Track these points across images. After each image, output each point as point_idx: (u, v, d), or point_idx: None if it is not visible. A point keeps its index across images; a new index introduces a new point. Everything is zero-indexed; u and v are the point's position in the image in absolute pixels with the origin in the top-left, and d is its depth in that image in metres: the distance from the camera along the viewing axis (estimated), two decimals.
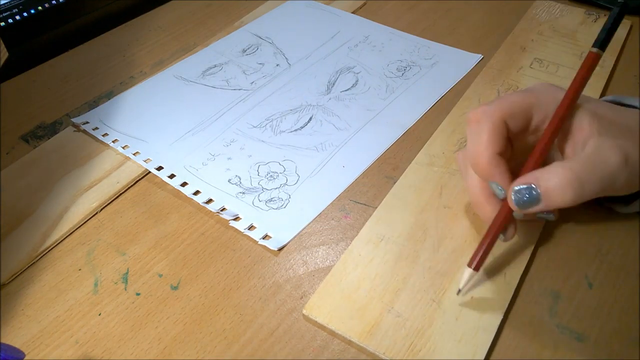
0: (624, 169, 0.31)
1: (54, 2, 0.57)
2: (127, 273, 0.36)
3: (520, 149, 0.36)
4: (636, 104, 0.36)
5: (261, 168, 0.43)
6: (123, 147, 0.45)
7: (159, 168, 0.44)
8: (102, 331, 0.33)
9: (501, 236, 0.34)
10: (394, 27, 0.59)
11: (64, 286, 0.36)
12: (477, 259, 0.32)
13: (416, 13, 0.61)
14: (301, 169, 0.43)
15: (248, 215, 0.39)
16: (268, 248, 0.37)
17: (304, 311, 0.33)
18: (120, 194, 0.42)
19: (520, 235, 0.37)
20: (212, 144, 0.45)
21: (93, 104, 0.51)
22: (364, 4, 0.63)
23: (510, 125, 0.34)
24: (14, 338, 0.33)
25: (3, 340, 0.33)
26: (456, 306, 0.33)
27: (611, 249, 0.36)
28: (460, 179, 0.41)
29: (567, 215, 0.38)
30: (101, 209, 0.41)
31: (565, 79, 0.50)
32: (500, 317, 0.32)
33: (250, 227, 0.39)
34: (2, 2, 0.53)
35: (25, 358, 0.29)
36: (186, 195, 0.41)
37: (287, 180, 0.42)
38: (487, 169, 0.33)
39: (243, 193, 0.41)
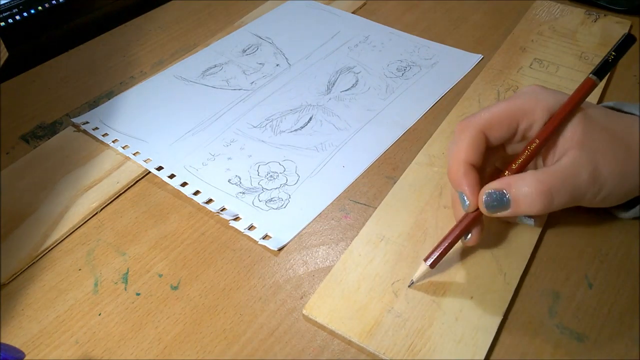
0: (592, 186, 0.32)
1: (54, 2, 0.57)
2: (127, 273, 0.36)
3: (510, 156, 0.36)
4: (635, 111, 0.36)
5: (261, 168, 0.43)
6: (123, 147, 0.45)
7: (159, 168, 0.44)
8: (102, 331, 0.33)
9: (464, 239, 0.34)
10: (394, 27, 0.59)
11: (64, 286, 0.36)
12: (435, 256, 0.33)
13: (416, 13, 0.61)
14: (301, 169, 0.43)
15: (248, 215, 0.39)
16: (268, 248, 0.37)
17: (304, 311, 0.33)
18: (120, 194, 0.42)
19: (521, 235, 0.37)
20: (212, 144, 0.45)
21: (93, 104, 0.51)
22: (364, 4, 0.63)
23: (491, 135, 0.35)
24: (14, 338, 0.33)
25: (3, 340, 0.33)
26: (456, 306, 0.33)
27: (611, 249, 0.36)
28: None
29: (567, 215, 0.38)
30: (101, 209, 0.41)
31: (565, 79, 0.50)
32: (500, 317, 0.32)
33: (250, 227, 0.39)
34: (2, 2, 0.53)
35: (25, 358, 0.29)
36: (186, 195, 0.41)
37: (287, 180, 0.42)
38: (456, 177, 0.34)
39: (243, 193, 0.41)
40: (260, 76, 0.53)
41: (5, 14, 0.54)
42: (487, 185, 0.33)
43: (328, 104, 0.49)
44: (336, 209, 0.40)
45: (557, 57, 0.53)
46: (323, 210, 0.40)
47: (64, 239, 0.39)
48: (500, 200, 0.32)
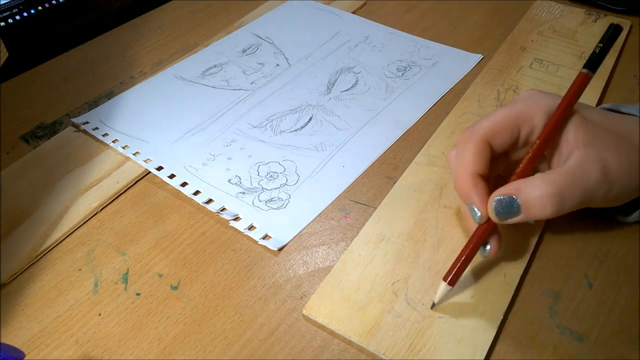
0: (603, 184, 0.32)
1: (54, 2, 0.57)
2: (127, 273, 0.36)
3: (514, 163, 0.36)
4: (633, 112, 0.36)
5: (261, 168, 0.43)
6: (123, 147, 0.45)
7: (159, 168, 0.44)
8: (102, 331, 0.33)
9: (484, 251, 0.33)
10: (394, 27, 0.59)
11: (64, 286, 0.36)
12: (453, 273, 0.32)
13: (416, 13, 0.61)
14: (301, 169, 0.43)
15: (248, 215, 0.39)
16: (268, 248, 0.37)
17: (304, 311, 0.33)
18: (120, 194, 0.42)
19: (520, 235, 0.37)
20: (212, 144, 0.45)
21: (93, 104, 0.51)
22: (364, 4, 0.63)
23: (495, 143, 0.34)
24: (14, 338, 0.33)
25: (3, 340, 0.33)
26: (456, 306, 0.33)
27: (611, 249, 0.36)
28: None
29: (567, 215, 0.38)
30: (101, 209, 0.41)
31: (565, 79, 0.50)
32: (500, 317, 0.32)
33: (250, 227, 0.39)
34: (2, 2, 0.53)
35: (25, 358, 0.29)
36: (186, 195, 0.41)
37: (287, 180, 0.42)
38: (465, 189, 0.33)
39: (243, 193, 0.41)
40: (260, 76, 0.53)
41: (5, 14, 0.54)
42: (495, 192, 0.32)
43: (328, 104, 0.49)
44: (336, 209, 0.40)
45: (557, 57, 0.53)
46: (323, 210, 0.40)
47: (64, 239, 0.39)
48: (510, 206, 0.31)
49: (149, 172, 0.43)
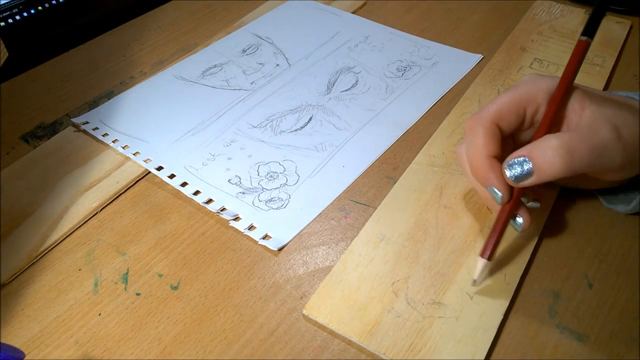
0: (617, 143, 0.32)
1: (54, 2, 0.57)
2: (127, 273, 0.36)
3: (521, 145, 0.36)
4: (631, 95, 0.36)
5: (261, 168, 0.43)
6: (123, 147, 0.45)
7: (159, 168, 0.44)
8: (102, 331, 0.33)
9: (517, 225, 0.34)
10: (394, 27, 0.59)
11: (64, 286, 0.36)
12: (490, 248, 0.33)
13: (416, 13, 0.61)
14: (301, 169, 0.43)
15: (248, 215, 0.39)
16: (268, 248, 0.37)
17: (304, 311, 0.33)
18: (120, 194, 0.42)
19: (521, 235, 0.37)
20: (212, 144, 0.45)
21: (93, 104, 0.51)
22: (364, 4, 0.63)
23: (503, 125, 0.34)
24: (14, 338, 0.33)
25: (3, 340, 0.33)
26: (456, 306, 0.33)
27: (611, 249, 0.36)
28: (461, 179, 0.41)
29: (567, 215, 0.38)
30: (101, 209, 0.41)
31: None
32: (500, 317, 0.32)
33: (250, 227, 0.39)
34: (2, 2, 0.53)
35: (25, 358, 0.29)
36: (186, 195, 0.41)
37: (287, 180, 0.42)
38: (483, 173, 0.34)
39: (243, 193, 0.41)
40: (260, 76, 0.53)
41: (5, 14, 0.54)
42: (508, 157, 0.33)
43: (328, 104, 0.49)
44: (336, 209, 0.40)
45: (557, 57, 0.52)
46: (323, 210, 0.40)
47: (64, 239, 0.39)
48: (522, 168, 0.32)
49: (149, 172, 0.43)
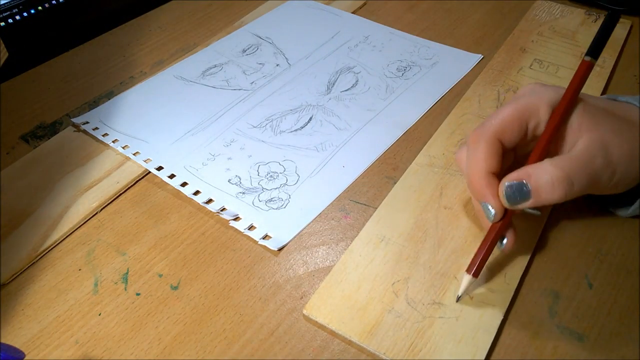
0: (607, 168, 0.32)
1: (54, 2, 0.57)
2: (127, 273, 0.36)
3: (521, 157, 0.36)
4: (631, 101, 0.36)
5: (261, 168, 0.43)
6: (123, 147, 0.45)
7: (159, 168, 0.44)
8: (102, 331, 0.33)
9: (501, 245, 0.34)
10: (394, 27, 0.59)
11: (64, 286, 0.36)
12: (476, 265, 0.32)
13: (416, 13, 0.61)
14: (301, 169, 0.43)
15: (248, 215, 0.39)
16: (268, 248, 0.37)
17: (305, 311, 0.33)
18: (120, 194, 0.42)
19: (520, 235, 0.37)
20: (212, 144, 0.45)
21: (93, 104, 0.51)
22: (364, 4, 0.63)
23: (505, 140, 0.34)
24: (14, 338, 0.33)
25: (3, 340, 0.33)
26: (456, 306, 0.33)
27: (611, 249, 0.36)
28: (461, 180, 0.41)
29: (567, 215, 0.38)
30: (101, 209, 0.41)
31: (565, 80, 0.50)
32: (500, 317, 0.32)
33: (250, 227, 0.39)
34: (2, 2, 0.53)
35: (25, 358, 0.29)
36: (186, 195, 0.41)
37: (287, 180, 0.42)
38: (479, 189, 0.34)
39: (243, 193, 0.41)
40: (260, 76, 0.53)
41: (5, 14, 0.54)
42: (505, 177, 0.33)
43: (328, 104, 0.49)
44: (336, 209, 0.40)
45: (557, 58, 0.53)
46: (323, 210, 0.40)
47: (64, 239, 0.39)
48: (520, 191, 0.32)
49: (149, 172, 0.43)
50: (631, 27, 0.57)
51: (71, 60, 0.56)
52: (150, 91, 0.51)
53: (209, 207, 0.40)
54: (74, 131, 0.47)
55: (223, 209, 0.40)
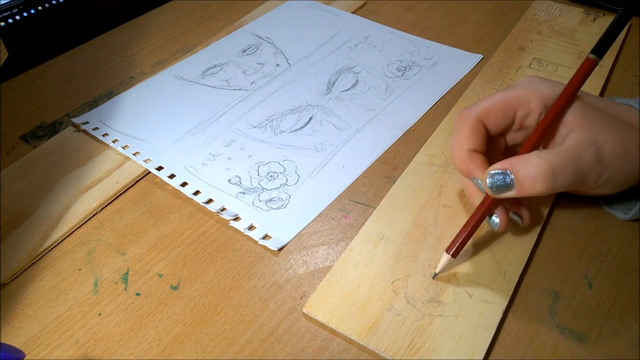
0: (597, 165, 0.33)
1: (54, 2, 0.57)
2: (127, 273, 0.36)
3: (512, 146, 0.37)
4: (631, 103, 0.36)
5: (261, 168, 0.43)
6: (123, 147, 0.45)
7: (159, 168, 0.44)
8: (102, 331, 0.33)
9: (494, 224, 0.34)
10: (394, 27, 0.59)
11: (64, 286, 0.36)
12: (456, 245, 0.33)
13: (416, 13, 0.61)
14: (301, 169, 0.43)
15: (248, 215, 0.39)
16: (268, 248, 0.38)
17: (304, 310, 0.33)
18: (120, 194, 0.42)
19: (520, 234, 0.37)
20: (212, 144, 0.45)
21: (93, 104, 0.51)
22: (364, 4, 0.63)
23: (489, 124, 0.35)
24: (14, 338, 0.33)
25: (3, 340, 0.33)
26: (456, 305, 0.33)
27: (611, 249, 0.36)
28: (460, 178, 0.41)
29: (567, 215, 0.38)
30: (101, 209, 0.41)
31: (564, 79, 0.49)
32: (499, 316, 0.32)
33: (250, 227, 0.39)
34: (2, 2, 0.53)
35: (25, 358, 0.29)
36: (186, 195, 0.41)
37: (287, 180, 0.42)
38: (463, 165, 0.35)
39: (243, 193, 0.41)
40: (260, 76, 0.53)
41: (5, 14, 0.54)
42: (491, 167, 0.33)
43: (328, 104, 0.49)
44: (336, 209, 0.40)
45: (556, 57, 0.53)
46: (323, 210, 0.40)
47: (64, 239, 0.39)
48: (504, 180, 0.32)
49: (149, 172, 0.43)
50: (630, 26, 0.57)
51: (71, 60, 0.57)
52: (150, 91, 0.51)
53: (209, 207, 0.40)
54: (74, 131, 0.47)
55: (223, 209, 0.40)
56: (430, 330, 0.32)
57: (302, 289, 0.35)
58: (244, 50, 0.56)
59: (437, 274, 0.34)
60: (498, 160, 0.38)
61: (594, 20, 0.57)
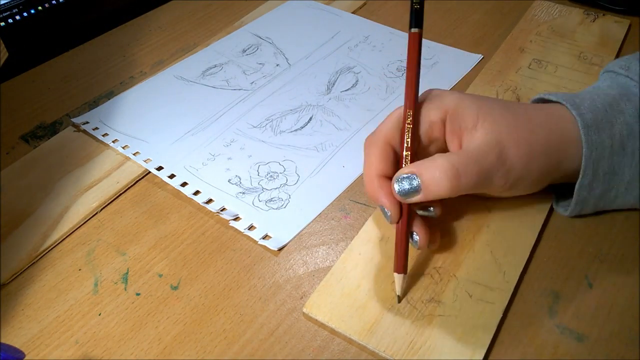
0: (501, 167, 0.33)
1: (54, 2, 0.57)
2: (127, 273, 0.36)
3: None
4: (557, 99, 0.36)
5: (261, 168, 0.43)
6: (123, 147, 0.45)
7: (159, 168, 0.44)
8: (102, 331, 0.33)
9: (414, 243, 0.34)
10: (394, 27, 0.59)
11: (64, 286, 0.36)
12: (400, 263, 0.33)
13: None
14: (301, 169, 0.43)
15: (248, 215, 0.39)
16: (268, 248, 0.38)
17: (304, 309, 0.33)
18: (120, 194, 0.42)
19: (520, 234, 0.37)
20: (212, 144, 0.45)
21: (93, 104, 0.51)
22: (364, 4, 0.63)
23: (396, 144, 0.35)
24: (14, 338, 0.33)
25: (3, 340, 0.33)
26: (455, 305, 0.33)
27: (611, 249, 0.36)
28: None
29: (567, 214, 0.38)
30: (101, 209, 0.41)
31: (563, 79, 0.50)
32: (499, 316, 0.32)
33: (250, 227, 0.39)
34: (2, 2, 0.53)
35: (25, 358, 0.29)
36: (186, 195, 0.41)
37: (287, 180, 0.42)
38: (372, 192, 0.35)
39: (243, 193, 0.41)
40: (260, 76, 0.53)
41: (5, 14, 0.54)
42: (398, 171, 0.33)
43: (328, 104, 0.49)
44: (336, 209, 0.40)
45: (556, 57, 0.53)
46: (323, 210, 0.40)
47: (64, 239, 0.39)
48: (410, 184, 0.32)
49: (149, 172, 0.43)
50: (630, 26, 0.57)
51: (71, 60, 0.57)
52: (150, 91, 0.51)
53: (209, 207, 0.40)
54: (74, 131, 0.47)
55: (223, 209, 0.40)
56: (430, 330, 0.32)
57: (302, 289, 0.35)
58: (244, 50, 0.56)
59: (399, 296, 0.33)
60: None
61: (593, 21, 0.57)
